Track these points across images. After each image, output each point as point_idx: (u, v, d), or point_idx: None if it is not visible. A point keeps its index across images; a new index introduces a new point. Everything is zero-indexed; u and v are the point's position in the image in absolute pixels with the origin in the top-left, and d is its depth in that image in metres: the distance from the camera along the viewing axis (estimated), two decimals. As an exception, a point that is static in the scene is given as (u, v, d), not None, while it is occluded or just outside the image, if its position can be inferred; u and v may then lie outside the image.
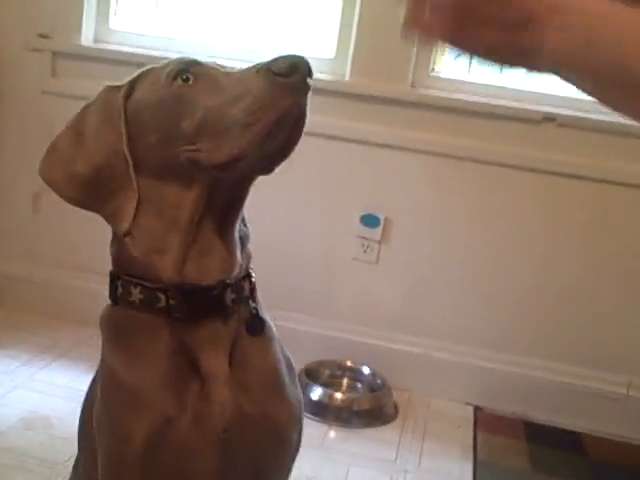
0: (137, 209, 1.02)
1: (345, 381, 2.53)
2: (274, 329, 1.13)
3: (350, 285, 2.59)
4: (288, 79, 0.91)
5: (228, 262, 1.03)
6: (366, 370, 2.52)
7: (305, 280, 2.61)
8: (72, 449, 1.88)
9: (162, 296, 1.01)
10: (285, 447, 1.11)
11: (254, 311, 1.07)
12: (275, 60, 0.92)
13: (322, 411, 2.31)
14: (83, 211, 2.69)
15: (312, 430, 2.23)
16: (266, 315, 1.12)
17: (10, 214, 2.76)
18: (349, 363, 2.55)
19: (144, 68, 1.07)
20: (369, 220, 2.53)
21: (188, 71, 0.99)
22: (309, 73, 0.92)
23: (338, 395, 2.34)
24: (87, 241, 2.69)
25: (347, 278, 2.59)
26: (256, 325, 1.06)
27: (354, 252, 2.56)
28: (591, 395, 2.46)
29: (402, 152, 2.48)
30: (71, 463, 1.84)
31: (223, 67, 1.05)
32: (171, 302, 1.01)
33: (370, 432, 2.29)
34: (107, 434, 1.04)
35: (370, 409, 2.35)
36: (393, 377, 2.54)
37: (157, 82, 1.01)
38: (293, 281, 2.61)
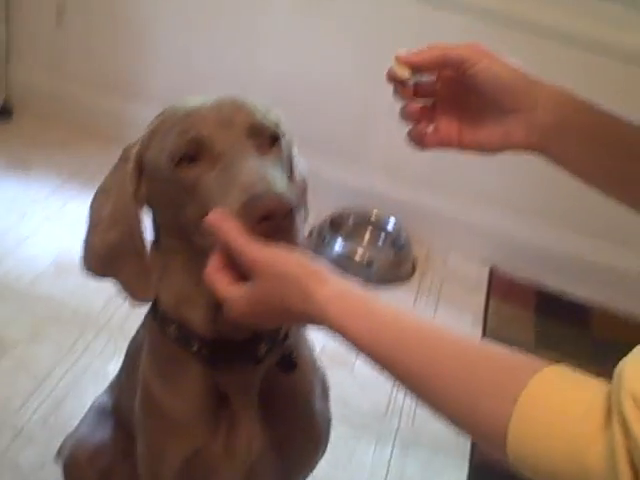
0: (164, 265, 1.01)
1: (368, 233, 2.56)
2: (312, 356, 1.15)
3: (384, 136, 2.53)
4: (261, 227, 0.82)
5: None
6: (391, 223, 2.55)
7: (339, 123, 2.55)
8: (105, 297, 2.00)
9: (195, 343, 1.02)
10: (309, 467, 1.19)
11: (287, 352, 1.07)
12: (247, 204, 0.83)
13: (342, 265, 2.37)
14: (109, 28, 2.59)
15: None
16: (304, 347, 1.12)
17: (34, 24, 2.62)
18: (375, 214, 2.56)
19: (149, 127, 0.99)
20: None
21: (188, 153, 0.92)
22: (286, 215, 0.83)
23: (359, 250, 2.39)
24: (113, 59, 2.60)
25: (382, 128, 2.52)
26: (287, 366, 1.07)
27: (390, 99, 2.46)
28: (605, 269, 2.52)
29: None
30: (104, 315, 1.97)
31: (245, 110, 0.96)
32: (203, 352, 1.02)
33: (387, 291, 2.37)
34: (145, 446, 1.10)
35: (389, 267, 2.41)
36: (415, 231, 2.57)
37: (162, 154, 0.94)
38: (327, 123, 2.55)
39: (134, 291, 1.00)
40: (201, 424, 1.06)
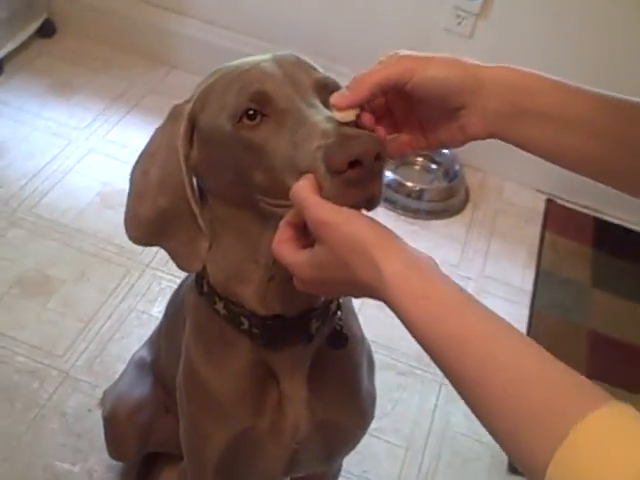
0: (213, 236, 0.95)
1: (420, 159, 2.46)
2: (360, 330, 1.11)
3: (437, 57, 2.39)
4: (349, 175, 0.76)
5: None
6: (444, 150, 2.44)
7: (390, 47, 2.38)
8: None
9: (245, 321, 0.98)
10: (353, 443, 1.16)
11: (338, 327, 1.03)
12: (331, 150, 0.76)
13: (391, 198, 2.30)
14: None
15: (380, 219, 2.25)
16: (352, 321, 1.08)
17: None
18: (427, 141, 2.46)
19: (204, 85, 0.91)
20: (469, -10, 2.25)
21: (252, 108, 0.84)
22: (378, 158, 0.76)
23: (409, 184, 2.30)
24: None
25: (436, 50, 2.34)
26: (339, 341, 1.03)
27: (447, 22, 2.32)
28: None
29: None
30: (149, 252, 1.95)
31: (305, 66, 0.90)
32: (254, 330, 0.98)
33: (437, 226, 2.30)
34: (189, 426, 1.08)
35: (441, 198, 2.33)
36: (470, 157, 2.47)
37: (222, 113, 0.87)
38: (375, 45, 2.41)
39: (183, 260, 0.95)
40: (248, 405, 1.04)
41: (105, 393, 1.45)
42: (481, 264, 2.20)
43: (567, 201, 2.48)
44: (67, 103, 2.39)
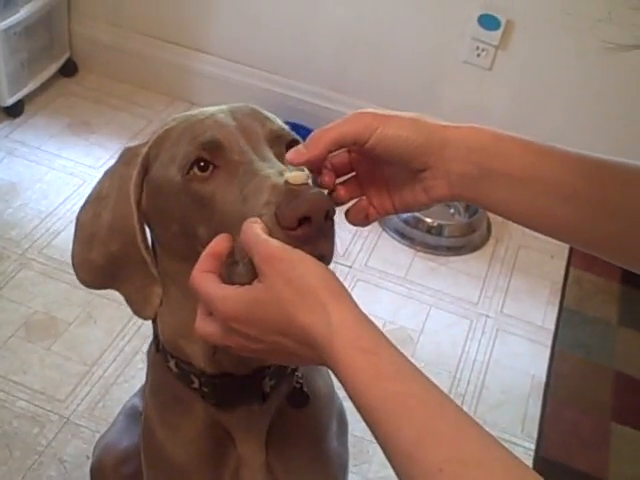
0: (163, 290, 0.92)
1: (440, 194, 2.40)
2: (327, 387, 1.05)
3: (457, 90, 2.34)
4: (297, 233, 0.73)
5: None
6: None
7: (409, 79, 2.37)
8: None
9: (195, 379, 0.94)
10: None
11: (297, 385, 0.98)
12: (281, 206, 0.73)
13: (409, 235, 2.25)
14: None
15: (398, 257, 2.21)
16: (316, 377, 1.03)
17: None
18: (446, 175, 2.40)
19: (159, 131, 0.89)
20: (488, 21, 2.19)
21: (203, 158, 0.82)
22: (326, 216, 0.73)
23: (428, 219, 2.25)
24: (175, 9, 2.51)
25: (455, 82, 2.33)
26: (299, 400, 0.99)
27: (466, 55, 2.27)
28: None
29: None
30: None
31: (260, 117, 0.87)
32: (204, 389, 0.94)
33: (457, 262, 2.23)
34: None
35: (461, 233, 2.27)
36: (492, 190, 2.41)
37: (172, 164, 0.84)
38: (395, 79, 2.38)
39: (137, 307, 0.92)
40: (204, 471, 0.99)
41: (97, 441, 1.43)
42: (501, 301, 2.13)
43: (595, 234, 2.39)
44: (85, 142, 2.40)
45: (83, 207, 0.92)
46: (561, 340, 2.04)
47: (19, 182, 2.21)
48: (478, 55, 2.25)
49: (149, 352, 1.05)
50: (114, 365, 1.77)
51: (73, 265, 0.93)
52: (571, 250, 2.33)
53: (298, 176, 0.77)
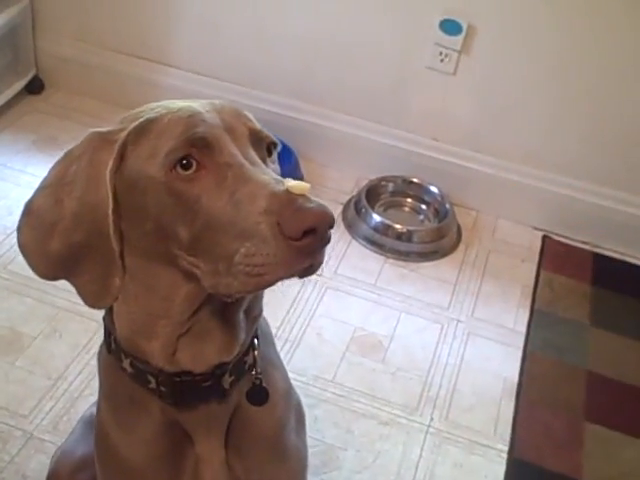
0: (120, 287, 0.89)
1: (409, 201, 2.41)
2: (284, 382, 1.04)
3: (422, 96, 2.35)
4: (302, 243, 0.73)
5: (228, 345, 0.91)
6: (434, 189, 2.38)
7: (373, 86, 2.37)
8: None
9: (152, 379, 0.92)
10: None
11: (257, 381, 0.97)
12: (287, 216, 0.73)
13: (379, 242, 2.24)
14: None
15: (368, 264, 2.20)
16: (275, 373, 1.02)
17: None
18: (415, 181, 2.40)
19: (140, 120, 0.84)
20: (450, 26, 2.20)
21: (190, 156, 0.79)
22: (330, 227, 0.75)
23: (397, 226, 2.24)
24: (139, 24, 2.51)
25: (420, 88, 2.34)
26: (258, 397, 0.97)
27: (430, 61, 2.27)
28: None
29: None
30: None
31: (243, 118, 0.86)
32: (162, 388, 0.92)
33: (428, 268, 2.22)
34: None
35: (431, 239, 2.26)
36: (461, 196, 2.42)
37: (153, 158, 0.81)
38: (361, 85, 2.39)
39: (93, 297, 0.89)
40: (162, 472, 0.98)
41: (55, 452, 1.40)
42: (472, 306, 2.12)
43: (565, 237, 2.39)
44: (51, 158, 2.29)
45: (39, 192, 0.88)
46: (533, 342, 2.03)
47: (-17, 199, 2.19)
48: (441, 60, 2.26)
49: (100, 354, 1.03)
50: (79, 378, 1.75)
51: (24, 255, 0.89)
52: (542, 253, 2.33)
53: (301, 186, 0.76)
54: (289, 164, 2.32)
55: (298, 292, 2.05)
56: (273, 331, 1.88)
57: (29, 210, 0.89)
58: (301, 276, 0.78)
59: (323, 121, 2.44)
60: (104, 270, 0.87)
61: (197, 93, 2.50)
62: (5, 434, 1.61)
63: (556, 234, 2.40)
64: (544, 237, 2.38)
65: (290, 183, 0.77)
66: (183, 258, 0.82)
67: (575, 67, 2.17)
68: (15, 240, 2.00)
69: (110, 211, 0.84)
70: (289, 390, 1.06)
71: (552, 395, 1.90)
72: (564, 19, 2.12)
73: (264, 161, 0.85)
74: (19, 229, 0.89)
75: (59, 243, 0.86)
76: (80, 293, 0.90)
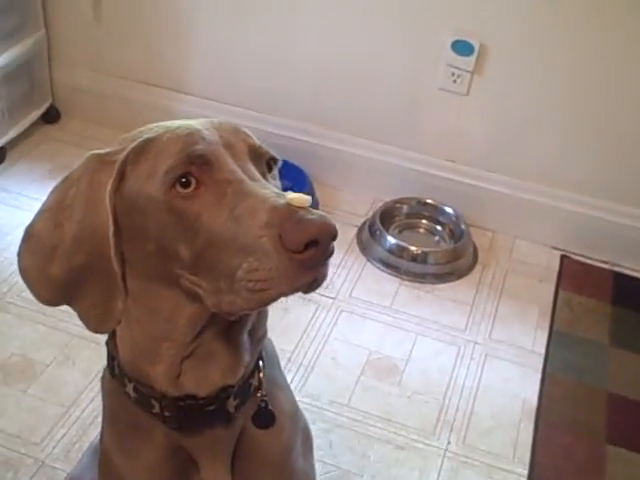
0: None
1: (424, 222, 2.39)
2: (291, 404, 1.02)
3: (436, 117, 2.33)
4: (305, 256, 0.72)
5: (232, 367, 0.90)
6: (449, 210, 2.36)
7: (386, 108, 2.37)
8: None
9: (156, 404, 0.91)
10: None
11: (262, 404, 0.95)
12: (289, 228, 0.72)
13: (394, 264, 2.21)
14: (148, 19, 2.48)
15: (383, 286, 2.18)
16: (280, 395, 1.00)
17: (72, 22, 2.55)
18: (429, 203, 2.38)
19: (139, 140, 0.84)
20: (461, 47, 2.19)
21: (190, 173, 0.79)
22: (332, 239, 0.74)
23: (412, 248, 2.22)
24: (154, 52, 2.52)
25: (433, 109, 2.33)
26: (264, 420, 0.96)
27: (442, 82, 2.26)
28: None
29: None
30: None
31: (242, 134, 0.86)
32: (166, 413, 0.90)
33: (444, 290, 2.20)
34: None
35: (447, 261, 2.23)
36: (477, 216, 2.39)
37: (153, 178, 0.80)
38: (374, 108, 2.38)
39: (95, 321, 0.88)
40: None
41: (64, 478, 1.39)
42: (489, 327, 2.09)
43: (584, 256, 2.36)
44: None
45: (38, 216, 0.88)
46: (552, 363, 2.00)
47: (0, 227, 2.20)
48: (454, 81, 2.25)
49: (103, 379, 1.02)
50: (92, 405, 1.74)
51: (26, 282, 0.88)
52: (560, 273, 2.30)
53: (301, 199, 0.75)
54: (304, 188, 2.32)
55: (312, 316, 2.03)
56: (287, 356, 1.90)
57: (29, 235, 0.88)
58: (305, 291, 0.78)
59: (337, 144, 2.44)
60: (106, 294, 0.86)
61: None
62: (17, 462, 1.60)
63: (574, 253, 2.36)
64: (562, 256, 2.35)
65: (290, 196, 0.76)
66: (185, 278, 0.81)
67: (589, 84, 2.15)
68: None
69: (111, 233, 0.83)
70: (296, 412, 1.04)
71: (572, 417, 1.86)
72: (577, 36, 2.10)
73: (264, 176, 0.84)
74: (19, 254, 0.89)
75: (60, 267, 0.86)
76: (82, 318, 0.89)
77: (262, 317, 0.94)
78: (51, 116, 2.64)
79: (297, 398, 1.76)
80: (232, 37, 2.40)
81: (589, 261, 2.35)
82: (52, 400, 1.74)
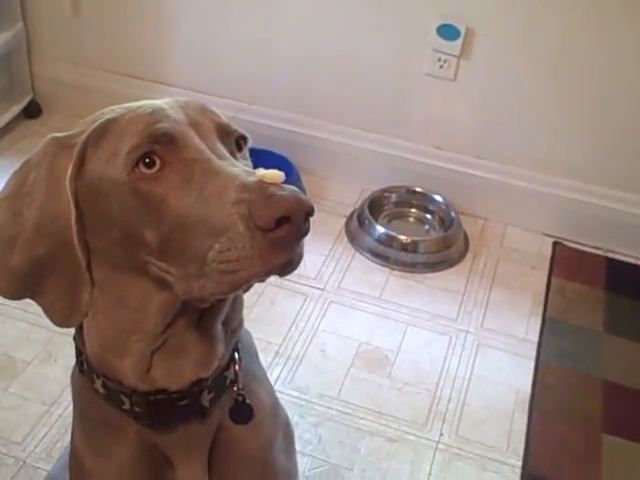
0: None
1: (413, 211, 2.35)
2: (270, 398, 0.98)
3: (423, 104, 2.29)
4: (277, 234, 0.68)
5: (205, 360, 0.86)
6: (438, 199, 2.32)
7: (372, 96, 2.32)
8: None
9: (126, 399, 0.86)
10: None
11: (239, 398, 0.91)
12: (258, 204, 0.68)
13: (383, 253, 2.17)
14: (127, 11, 2.42)
15: (373, 276, 2.14)
16: (259, 388, 0.96)
17: (51, 16, 2.50)
18: (418, 191, 2.34)
19: (99, 121, 0.80)
20: (447, 31, 2.15)
21: (154, 152, 0.75)
22: (307, 217, 0.70)
23: (402, 237, 2.18)
24: (134, 44, 2.48)
25: (420, 96, 2.28)
26: (242, 414, 0.91)
27: (429, 67, 2.22)
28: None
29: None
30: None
31: (209, 113, 0.82)
32: (136, 409, 0.86)
33: (434, 279, 2.16)
34: None
35: (437, 249, 2.19)
36: (467, 204, 2.35)
37: (114, 159, 0.76)
38: (359, 96, 2.34)
39: (61, 315, 0.84)
40: None
41: (44, 478, 1.35)
42: (481, 316, 2.05)
43: (576, 243, 2.32)
44: None
45: None
46: (545, 351, 1.96)
47: (-21, 224, 2.16)
48: (441, 67, 2.21)
49: (73, 375, 0.98)
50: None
51: None
52: (552, 260, 2.26)
53: (274, 175, 0.71)
54: (290, 178, 2.28)
55: (300, 307, 1.99)
56: (275, 349, 1.86)
57: None
58: (281, 274, 0.74)
59: (323, 134, 2.40)
60: (71, 285, 0.82)
61: (194, 110, 2.47)
62: (-3, 462, 1.56)
63: (567, 240, 2.33)
64: (554, 243, 2.31)
65: (261, 172, 0.72)
66: (153, 264, 0.77)
67: (579, 66, 2.11)
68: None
69: (73, 220, 0.79)
70: (276, 406, 1.00)
71: (567, 406, 1.83)
72: (565, 18, 2.06)
73: (233, 155, 0.80)
74: None
75: (20, 258, 0.81)
76: (47, 312, 0.85)
77: (237, 306, 0.90)
78: (32, 111, 2.59)
79: (285, 391, 1.74)
80: (214, 27, 2.36)
81: (582, 247, 2.31)
82: (34, 398, 1.70)
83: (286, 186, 0.70)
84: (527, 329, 2.03)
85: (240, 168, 0.74)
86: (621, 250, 2.29)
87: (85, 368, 0.89)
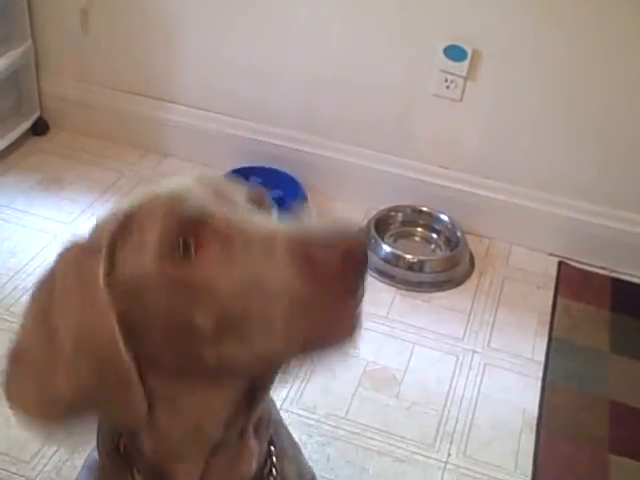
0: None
1: (419, 230, 2.36)
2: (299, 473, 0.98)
3: (429, 124, 2.31)
4: (348, 282, 0.67)
5: (247, 461, 0.84)
6: (444, 218, 2.33)
7: (379, 115, 2.34)
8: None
9: None
10: None
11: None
12: (312, 249, 0.64)
13: (390, 273, 2.18)
14: (136, 29, 2.44)
15: (379, 296, 2.14)
16: (287, 466, 0.94)
17: (59, 33, 2.52)
18: (424, 210, 2.36)
19: (118, 216, 0.73)
20: (454, 52, 2.17)
21: (185, 235, 0.68)
22: (366, 260, 0.67)
23: (408, 257, 2.19)
24: (142, 62, 2.50)
25: (427, 116, 2.30)
26: None
27: (435, 88, 2.24)
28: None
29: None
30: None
31: (231, 183, 0.78)
32: None
33: (441, 298, 2.16)
34: None
35: (443, 269, 2.20)
36: (472, 223, 2.36)
37: (146, 252, 0.70)
38: (366, 116, 2.35)
39: (124, 424, 0.80)
40: None
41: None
42: (487, 336, 2.05)
43: (582, 263, 2.33)
44: (56, 198, 2.36)
45: (22, 332, 0.76)
46: (552, 371, 1.96)
47: (-14, 241, 2.16)
48: (447, 87, 2.22)
49: (99, 451, 0.89)
50: (83, 421, 1.69)
51: (24, 412, 0.75)
52: (558, 279, 2.27)
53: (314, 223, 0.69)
54: (297, 198, 2.29)
55: (307, 326, 1.99)
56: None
57: (15, 359, 0.75)
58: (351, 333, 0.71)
59: (330, 153, 2.41)
60: (122, 403, 0.74)
61: (202, 129, 2.49)
62: (6, 481, 1.56)
63: (572, 260, 2.34)
64: (560, 263, 2.32)
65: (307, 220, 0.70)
66: (209, 350, 0.70)
67: (585, 88, 2.13)
68: (19, 281, 1.98)
69: (116, 331, 0.71)
70: (295, 452, 1.00)
71: (574, 426, 1.83)
72: (572, 39, 2.08)
73: (260, 210, 0.77)
74: (7, 386, 0.76)
75: (64, 384, 0.72)
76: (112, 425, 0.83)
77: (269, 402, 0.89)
78: (40, 128, 2.60)
79: (293, 410, 1.74)
80: (222, 46, 2.37)
81: (587, 267, 2.32)
82: (42, 417, 1.69)
83: (335, 217, 0.69)
84: (533, 349, 2.03)
85: (275, 224, 0.71)
86: (626, 270, 2.30)
87: (123, 454, 0.84)
